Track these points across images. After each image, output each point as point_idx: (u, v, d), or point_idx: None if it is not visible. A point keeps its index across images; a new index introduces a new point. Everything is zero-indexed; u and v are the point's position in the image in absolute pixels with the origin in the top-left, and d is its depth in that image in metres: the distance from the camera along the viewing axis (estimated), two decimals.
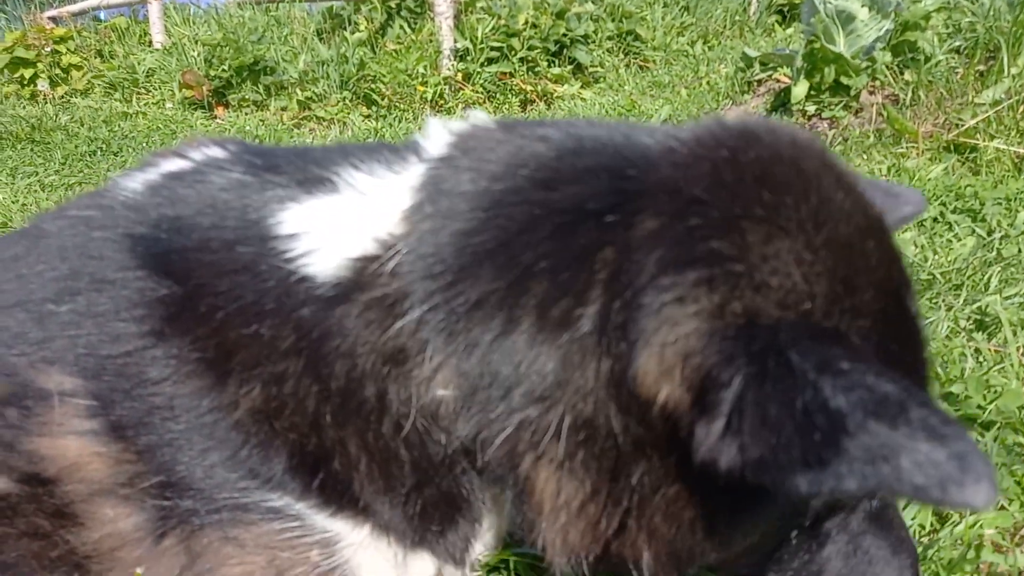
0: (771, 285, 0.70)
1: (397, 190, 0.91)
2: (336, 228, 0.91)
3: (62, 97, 7.03)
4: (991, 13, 4.15)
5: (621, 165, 0.83)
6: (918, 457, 0.54)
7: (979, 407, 1.46)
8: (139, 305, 0.92)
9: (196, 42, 6.98)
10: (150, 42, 7.74)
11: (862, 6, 4.42)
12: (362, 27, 6.75)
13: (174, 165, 1.09)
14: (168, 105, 6.42)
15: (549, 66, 6.34)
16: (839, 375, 0.61)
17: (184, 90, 6.38)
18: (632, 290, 0.74)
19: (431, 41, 6.43)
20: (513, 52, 6.22)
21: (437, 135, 0.96)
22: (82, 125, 5.76)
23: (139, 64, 7.04)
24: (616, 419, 0.78)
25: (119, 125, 5.75)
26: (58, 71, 7.27)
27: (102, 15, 8.82)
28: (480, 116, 0.98)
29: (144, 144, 5.16)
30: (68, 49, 7.40)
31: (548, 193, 0.83)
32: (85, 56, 7.58)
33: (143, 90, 6.86)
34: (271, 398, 0.88)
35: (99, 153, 5.03)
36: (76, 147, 5.11)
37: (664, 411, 0.74)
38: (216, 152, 1.12)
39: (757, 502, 0.78)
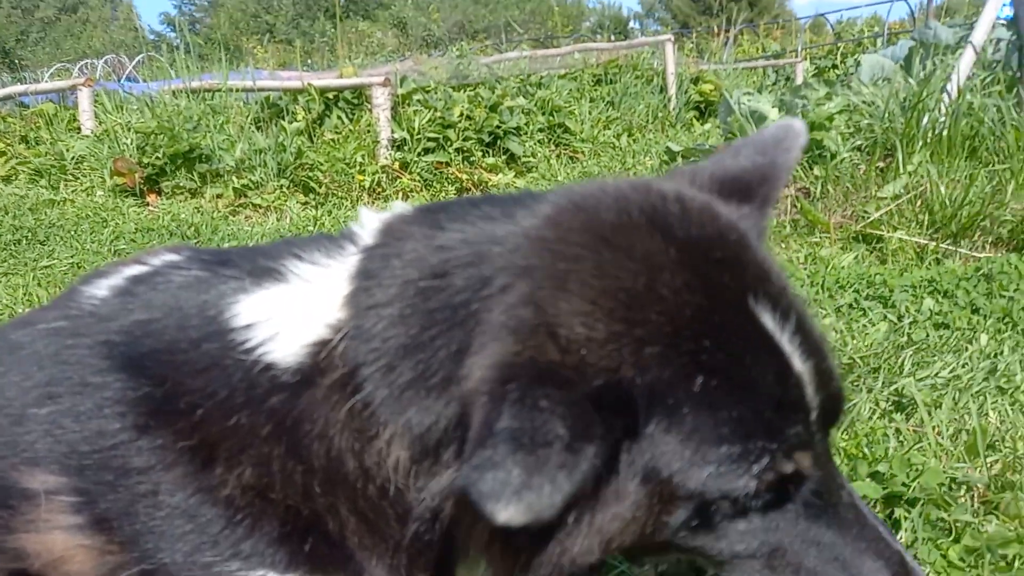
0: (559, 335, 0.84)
1: (337, 277, 0.98)
2: (288, 316, 0.97)
3: None
4: (887, 116, 4.59)
5: (484, 253, 0.93)
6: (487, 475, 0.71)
7: (904, 484, 1.58)
8: (120, 403, 0.96)
9: (129, 129, 6.94)
10: (79, 128, 7.65)
11: (773, 107, 4.83)
12: (300, 117, 6.88)
13: (135, 270, 1.14)
14: (99, 192, 6.32)
15: (483, 156, 6.58)
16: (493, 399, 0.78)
17: (116, 177, 6.31)
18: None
19: (368, 131, 6.60)
20: (449, 143, 6.45)
21: (368, 224, 1.05)
22: (6, 213, 5.61)
23: (68, 151, 6.93)
24: None
25: (46, 213, 5.62)
26: None
27: (28, 100, 8.69)
28: (400, 205, 1.08)
29: (73, 232, 5.05)
30: None
31: (437, 287, 0.93)
32: (9, 142, 7.43)
33: (71, 177, 6.73)
34: (261, 476, 0.94)
35: (24, 242, 4.90)
36: (0, 236, 4.97)
37: None
38: (172, 256, 1.18)
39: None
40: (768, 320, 0.89)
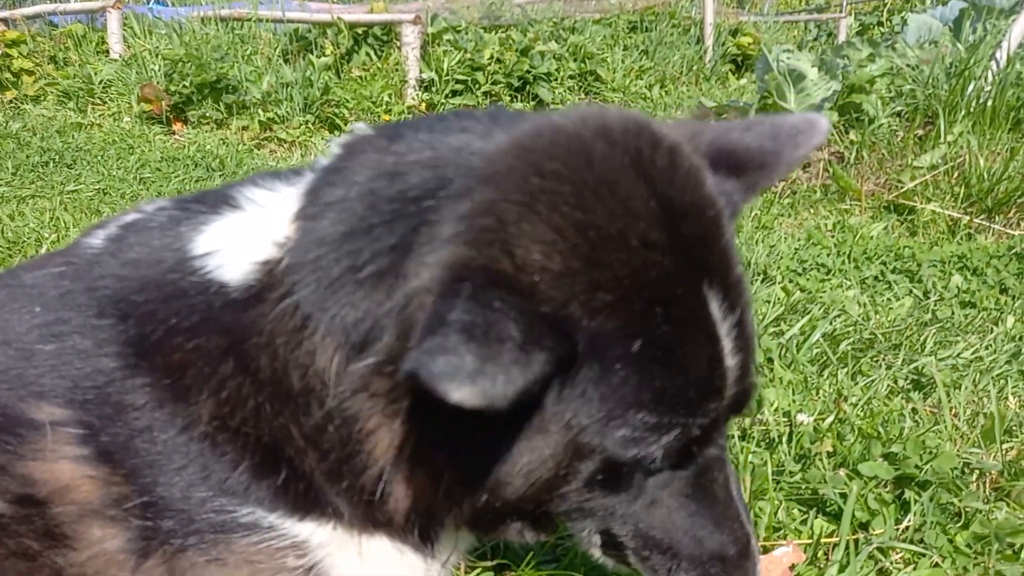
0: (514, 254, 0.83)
1: (290, 199, 1.01)
2: (241, 240, 1.01)
3: (11, 102, 6.85)
4: (930, 81, 4.44)
5: (447, 157, 0.94)
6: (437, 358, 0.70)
7: (916, 467, 1.58)
8: (113, 343, 1.00)
9: (157, 55, 6.89)
10: (107, 51, 7.60)
11: (812, 66, 4.67)
12: (328, 51, 6.78)
13: (129, 217, 1.18)
14: (125, 118, 6.31)
15: (512, 101, 6.48)
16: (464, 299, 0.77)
17: (142, 104, 6.30)
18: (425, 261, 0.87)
19: (397, 70, 6.51)
20: (477, 86, 6.34)
21: (331, 150, 1.06)
22: (34, 134, 5.63)
23: (96, 74, 6.91)
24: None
25: (73, 136, 5.64)
26: (8, 75, 7.09)
27: (57, 20, 8.62)
28: (360, 126, 1.08)
29: (100, 158, 5.07)
30: (20, 53, 7.22)
31: (387, 184, 0.94)
32: (38, 62, 7.40)
33: (99, 101, 6.72)
34: (221, 403, 0.97)
35: (52, 164, 4.93)
36: (28, 157, 5.00)
37: None
38: (164, 202, 1.21)
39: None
40: (715, 308, 0.90)
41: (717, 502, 1.04)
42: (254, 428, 0.98)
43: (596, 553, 1.12)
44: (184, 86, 6.21)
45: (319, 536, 1.01)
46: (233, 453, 0.98)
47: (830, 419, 1.80)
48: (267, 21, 7.34)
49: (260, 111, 6.06)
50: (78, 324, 1.01)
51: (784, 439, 1.73)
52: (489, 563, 1.42)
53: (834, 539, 1.45)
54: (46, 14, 8.58)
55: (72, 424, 0.95)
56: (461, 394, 0.68)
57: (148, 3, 9.16)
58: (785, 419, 1.82)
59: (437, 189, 0.90)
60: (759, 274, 2.91)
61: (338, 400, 0.93)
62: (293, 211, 0.98)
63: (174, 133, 6.09)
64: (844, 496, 1.51)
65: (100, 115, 6.46)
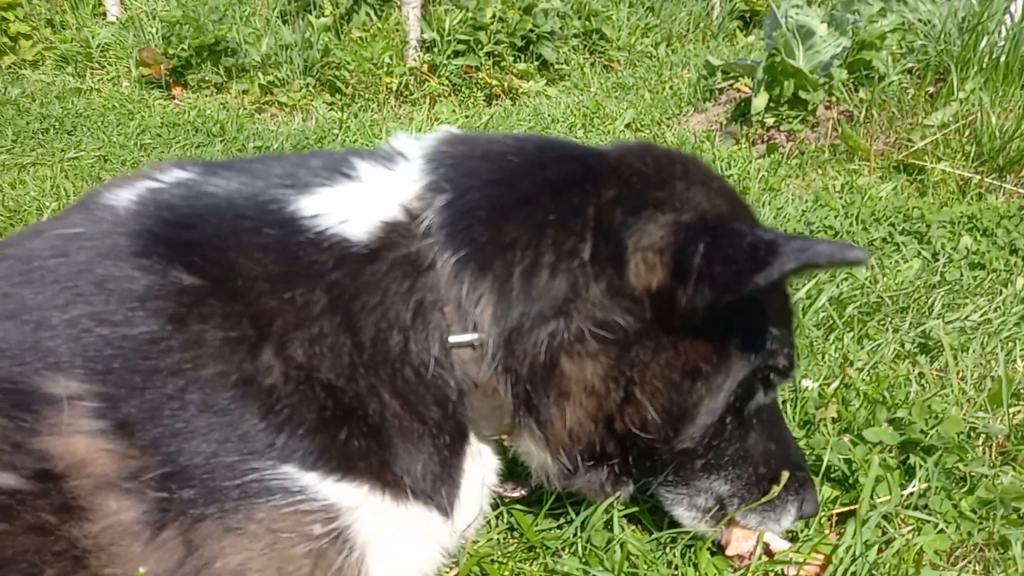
0: (696, 208, 1.09)
1: (401, 177, 1.12)
2: (360, 204, 1.08)
3: (9, 67, 6.77)
4: (942, 37, 4.33)
5: (582, 155, 1.18)
6: (822, 246, 0.96)
7: (922, 431, 1.57)
8: (156, 298, 0.97)
9: (154, 18, 6.77)
10: (104, 14, 7.48)
11: (822, 22, 4.56)
12: (327, 12, 6.65)
13: (152, 183, 1.14)
14: (124, 83, 6.23)
15: (515, 61, 6.36)
16: (761, 228, 1.03)
17: (141, 67, 6.20)
18: (613, 230, 1.07)
19: (397, 30, 6.39)
20: (480, 46, 6.22)
21: (409, 143, 1.19)
22: (33, 100, 5.58)
23: (93, 37, 6.80)
24: (621, 317, 1.07)
25: (72, 102, 5.58)
26: (6, 39, 6.99)
27: None
28: (448, 127, 1.24)
29: (100, 124, 5.02)
30: (16, 17, 7.10)
31: (542, 171, 1.13)
32: (35, 25, 7.29)
33: (97, 65, 6.63)
34: (312, 355, 1.00)
35: (52, 131, 4.89)
36: (27, 124, 4.96)
37: (654, 297, 1.06)
38: (188, 169, 1.19)
39: (719, 366, 1.12)
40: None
41: (784, 426, 1.31)
42: (335, 383, 1.00)
43: (689, 508, 1.30)
44: (182, 49, 6.12)
45: (350, 499, 1.00)
46: (291, 410, 0.97)
47: (835, 384, 1.79)
48: None
49: (260, 74, 5.97)
50: (103, 285, 0.97)
51: (789, 405, 1.72)
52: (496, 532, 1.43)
53: (838, 507, 1.44)
54: None
55: (89, 397, 0.93)
56: (860, 254, 0.96)
57: None
58: (790, 384, 1.81)
59: (593, 178, 1.11)
60: None
61: (496, 350, 1.05)
62: (415, 189, 1.09)
63: (174, 98, 6.02)
64: (849, 462, 1.51)
65: (99, 80, 6.38)
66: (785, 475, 1.24)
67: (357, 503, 1.01)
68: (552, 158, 1.16)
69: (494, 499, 1.31)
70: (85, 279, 0.98)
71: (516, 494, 1.38)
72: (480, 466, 1.20)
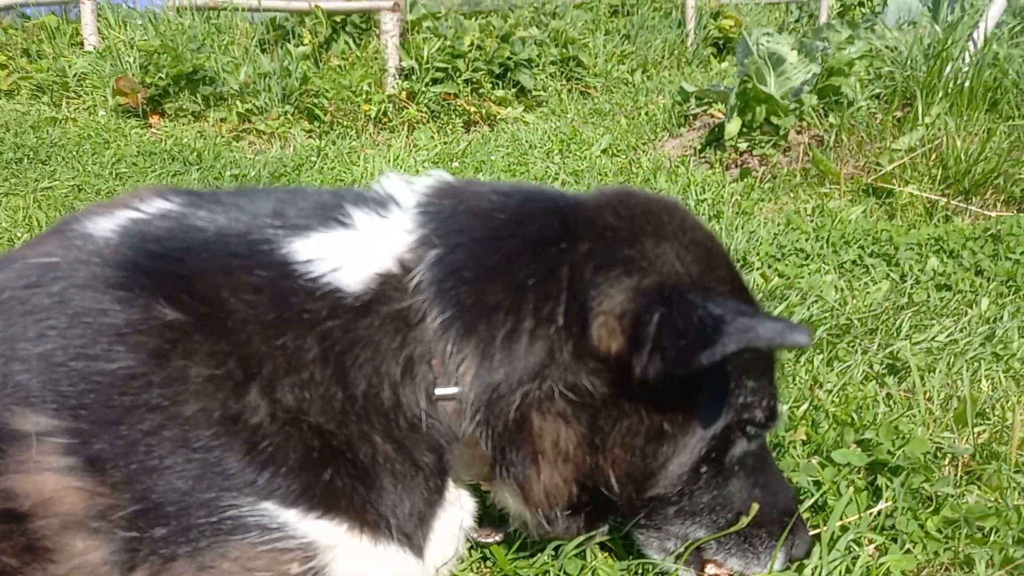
0: (660, 271, 1.09)
1: (394, 227, 1.13)
2: (354, 252, 1.08)
3: None
4: (909, 63, 4.44)
5: (562, 207, 1.18)
6: (765, 328, 0.95)
7: (889, 452, 1.59)
8: (136, 332, 0.95)
9: (132, 47, 6.77)
10: (82, 43, 7.47)
11: (792, 49, 4.66)
12: (306, 40, 6.71)
13: (133, 213, 1.11)
14: (101, 112, 6.22)
15: (493, 88, 6.43)
16: (715, 300, 1.01)
17: (118, 96, 6.20)
18: (581, 290, 1.08)
19: (376, 58, 6.44)
20: (458, 73, 6.29)
21: (402, 188, 1.20)
22: (7, 130, 5.54)
23: (70, 67, 6.79)
24: (587, 379, 1.08)
25: (47, 131, 5.55)
26: None
27: (29, 12, 8.46)
28: (441, 173, 1.24)
29: (75, 153, 5.00)
30: None
31: (523, 229, 1.14)
32: (10, 55, 7.27)
33: (73, 94, 6.62)
34: (301, 399, 1.00)
35: (26, 161, 4.86)
36: (1, 154, 4.92)
37: (614, 362, 1.06)
38: (170, 198, 1.17)
39: (686, 427, 1.12)
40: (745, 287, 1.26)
41: (771, 462, 1.31)
42: (325, 426, 1.00)
43: (659, 551, 1.30)
44: (160, 78, 6.13)
45: (328, 537, 1.00)
46: (275, 448, 0.97)
47: (805, 406, 1.80)
48: (243, 10, 7.23)
49: (238, 102, 5.99)
50: (80, 318, 0.95)
51: None
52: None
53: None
54: (18, 5, 8.41)
55: (59, 434, 0.91)
56: (801, 338, 0.95)
57: None
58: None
59: (561, 236, 1.12)
60: (739, 261, 2.92)
61: (476, 408, 1.06)
62: (408, 240, 1.10)
63: (150, 126, 6.01)
64: (818, 484, 1.52)
65: (75, 109, 6.36)
66: (755, 507, 1.23)
67: (335, 541, 1.00)
68: (533, 213, 1.16)
69: (470, 542, 1.31)
70: (60, 311, 0.96)
71: (491, 540, 1.38)
72: (458, 510, 1.21)
